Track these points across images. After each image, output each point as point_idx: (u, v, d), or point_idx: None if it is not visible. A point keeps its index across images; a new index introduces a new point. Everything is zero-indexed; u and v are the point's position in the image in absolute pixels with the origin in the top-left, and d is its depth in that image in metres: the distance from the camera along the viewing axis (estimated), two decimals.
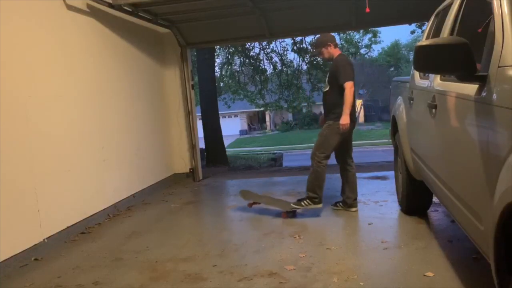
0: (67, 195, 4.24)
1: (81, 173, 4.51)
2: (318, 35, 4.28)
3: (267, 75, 15.12)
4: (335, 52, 4.39)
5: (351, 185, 4.46)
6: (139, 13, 5.78)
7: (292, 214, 4.40)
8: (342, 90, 4.17)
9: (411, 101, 3.57)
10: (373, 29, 17.91)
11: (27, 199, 3.70)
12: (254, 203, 4.76)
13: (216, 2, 5.71)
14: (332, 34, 4.82)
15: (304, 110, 30.16)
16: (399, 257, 3.18)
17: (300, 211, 4.42)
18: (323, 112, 4.56)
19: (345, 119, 4.15)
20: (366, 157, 11.78)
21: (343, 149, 4.45)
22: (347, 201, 4.47)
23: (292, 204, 4.40)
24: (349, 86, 4.14)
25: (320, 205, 4.36)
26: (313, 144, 4.49)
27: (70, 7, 4.50)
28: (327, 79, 4.46)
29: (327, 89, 4.40)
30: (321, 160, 4.27)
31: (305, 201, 4.33)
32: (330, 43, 4.36)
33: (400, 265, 3.04)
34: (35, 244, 3.73)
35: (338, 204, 4.53)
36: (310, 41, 13.57)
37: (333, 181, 6.25)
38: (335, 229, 3.96)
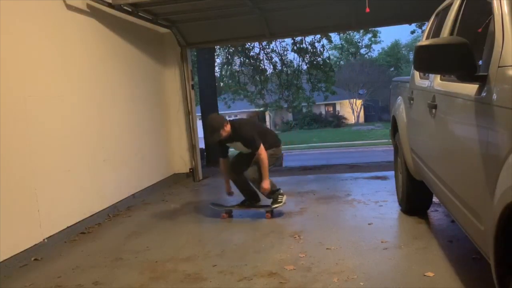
0: (67, 195, 4.24)
1: (81, 173, 4.51)
2: (210, 122, 4.27)
3: (267, 75, 15.12)
4: (228, 126, 4.31)
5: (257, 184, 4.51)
6: (139, 13, 5.78)
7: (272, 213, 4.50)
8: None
9: (411, 101, 3.57)
10: (373, 29, 17.92)
11: (27, 199, 3.70)
12: (227, 212, 4.65)
13: (216, 2, 5.71)
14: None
15: (304, 110, 30.18)
16: (399, 257, 3.18)
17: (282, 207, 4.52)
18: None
19: (266, 183, 4.35)
20: (366, 157, 11.79)
21: (248, 163, 4.46)
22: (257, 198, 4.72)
23: (273, 206, 4.49)
24: (261, 152, 4.30)
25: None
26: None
27: (70, 7, 4.50)
28: (242, 144, 4.41)
29: (249, 151, 4.42)
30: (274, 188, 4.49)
31: (277, 200, 4.49)
32: (225, 123, 4.28)
33: (400, 265, 3.05)
34: (35, 244, 3.73)
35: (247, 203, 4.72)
36: (310, 41, 13.57)
37: (335, 182, 6.26)
38: (335, 229, 3.96)
